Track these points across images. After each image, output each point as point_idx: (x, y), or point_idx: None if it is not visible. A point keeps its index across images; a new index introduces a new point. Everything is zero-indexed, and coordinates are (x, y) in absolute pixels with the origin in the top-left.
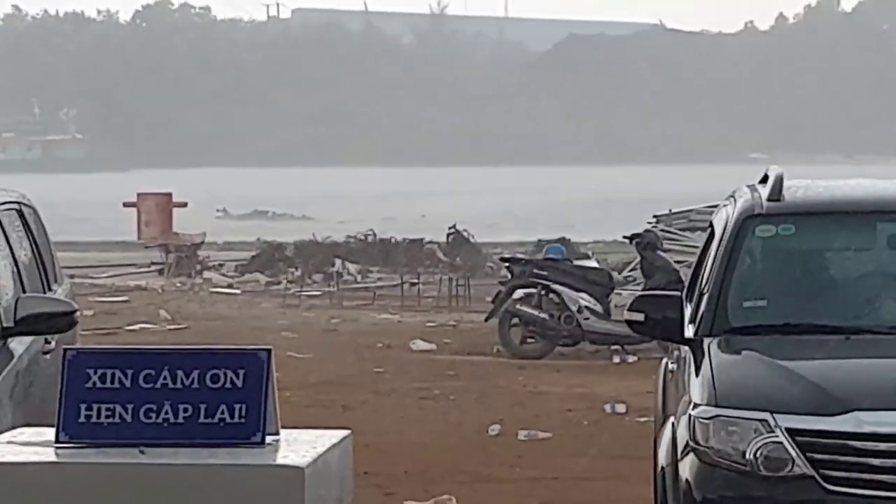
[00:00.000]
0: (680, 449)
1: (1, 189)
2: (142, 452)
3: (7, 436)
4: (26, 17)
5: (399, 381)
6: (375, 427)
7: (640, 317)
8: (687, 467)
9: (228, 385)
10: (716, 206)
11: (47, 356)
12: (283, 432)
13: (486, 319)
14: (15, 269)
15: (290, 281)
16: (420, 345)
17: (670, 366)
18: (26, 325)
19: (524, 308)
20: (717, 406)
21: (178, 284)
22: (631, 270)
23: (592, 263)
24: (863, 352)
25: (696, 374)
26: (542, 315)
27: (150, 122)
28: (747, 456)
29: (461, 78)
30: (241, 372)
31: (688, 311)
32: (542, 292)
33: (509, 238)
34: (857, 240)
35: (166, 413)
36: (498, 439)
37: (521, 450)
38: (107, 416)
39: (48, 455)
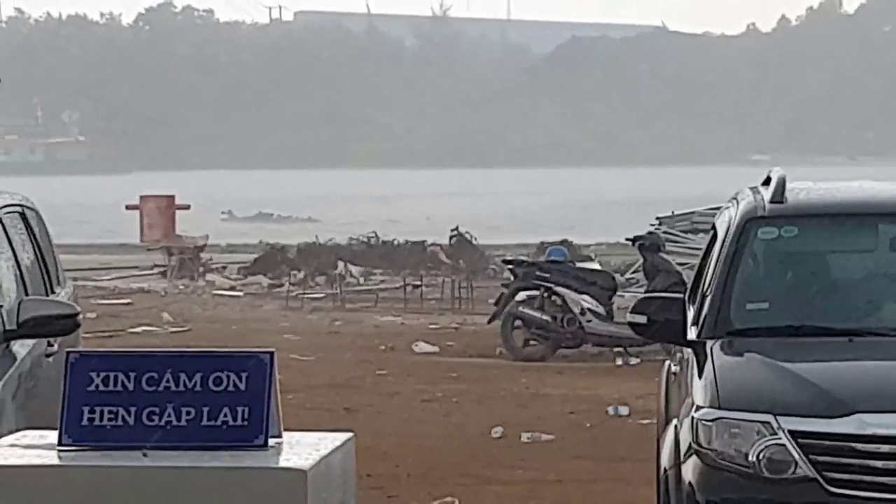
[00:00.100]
0: (683, 451)
1: (4, 191)
2: (144, 455)
3: (10, 439)
4: (29, 20)
5: (402, 383)
6: (378, 429)
7: (642, 319)
8: (690, 469)
9: (231, 388)
10: (718, 209)
11: (50, 359)
12: (285, 435)
13: (489, 321)
14: (17, 272)
15: (293, 283)
16: (423, 347)
17: (673, 368)
18: (29, 328)
19: (527, 310)
20: (719, 408)
21: (181, 287)
22: (633, 272)
23: (595, 265)
24: (865, 354)
25: (699, 377)
26: (545, 317)
27: (152, 124)
28: (750, 458)
29: (463, 80)
30: (244, 374)
31: (690, 314)
32: (545, 294)
33: (512, 240)
34: (860, 242)
35: (169, 416)
36: (501, 441)
37: (523, 452)
38: (109, 419)
39: (51, 458)
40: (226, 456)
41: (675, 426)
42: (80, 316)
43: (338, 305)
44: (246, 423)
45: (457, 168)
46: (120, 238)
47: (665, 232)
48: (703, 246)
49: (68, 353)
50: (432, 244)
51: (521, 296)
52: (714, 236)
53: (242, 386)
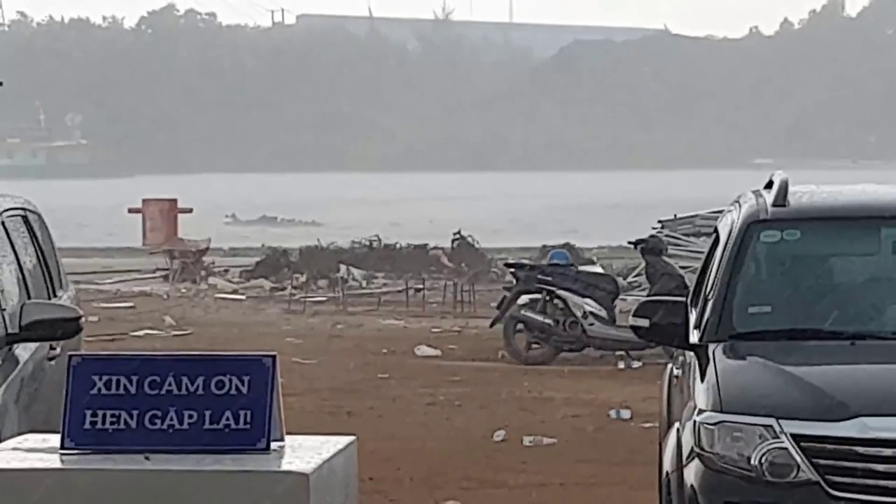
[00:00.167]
0: (685, 455)
1: (6, 195)
2: (147, 459)
3: (12, 442)
4: (32, 24)
5: (404, 387)
6: (380, 433)
7: (644, 322)
8: (692, 473)
9: (233, 391)
10: (721, 212)
11: (52, 362)
12: (287, 438)
13: (491, 325)
14: (20, 276)
15: (295, 287)
16: (425, 350)
17: (675, 371)
18: (31, 332)
19: (529, 314)
20: (722, 412)
21: (183, 290)
22: (636, 276)
23: (597, 269)
24: (868, 357)
25: (701, 380)
26: (547, 321)
27: (154, 127)
28: (752, 462)
29: (466, 83)
30: (246, 378)
31: (693, 317)
32: (547, 298)
33: (514, 244)
34: (862, 245)
35: (171, 419)
36: (503, 445)
37: (526, 455)
38: (112, 423)
39: (53, 462)
40: (228, 459)
41: (678, 430)
42: (83, 319)
43: (340, 309)
44: (248, 426)
45: (459, 171)
46: (122, 242)
47: (667, 235)
48: (706, 249)
49: (70, 356)
50: (434, 247)
51: (524, 299)
52: (716, 240)
53: (245, 389)
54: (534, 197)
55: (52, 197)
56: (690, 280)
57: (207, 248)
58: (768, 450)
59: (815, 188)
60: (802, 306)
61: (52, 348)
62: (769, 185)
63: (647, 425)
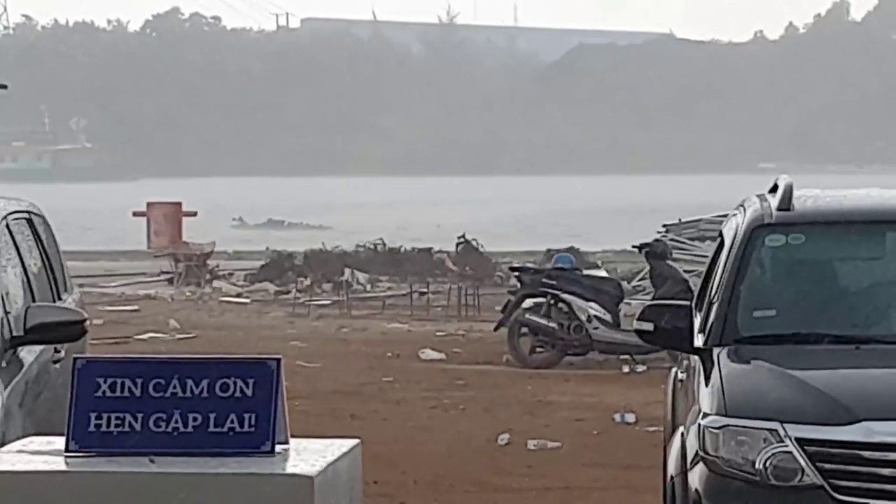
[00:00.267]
0: (689, 458)
1: (11, 198)
2: (151, 461)
3: (17, 445)
4: (36, 27)
5: (408, 390)
6: (385, 436)
7: (649, 326)
8: (696, 477)
9: (238, 394)
10: (725, 216)
11: (57, 365)
12: (292, 441)
13: (496, 329)
14: (25, 278)
15: (300, 290)
16: (429, 354)
17: (680, 375)
18: (36, 334)
19: (533, 317)
20: (726, 416)
21: (188, 294)
22: (640, 280)
23: (602, 273)
24: (873, 361)
25: (706, 384)
26: (552, 324)
27: (159, 130)
28: (757, 465)
29: (470, 87)
30: (251, 381)
31: (697, 321)
32: (552, 302)
33: (518, 247)
34: (867, 249)
35: (176, 422)
36: (507, 449)
37: (530, 459)
38: (116, 425)
39: (58, 464)
40: (232, 462)
41: (682, 433)
42: (87, 322)
43: (344, 312)
44: (253, 429)
45: (463, 175)
46: (127, 245)
47: (672, 239)
48: (710, 253)
49: (75, 359)
50: (439, 251)
51: (528, 303)
52: (721, 244)
53: (249, 392)
54: (538, 201)
55: (56, 200)
56: (695, 284)
57: (212, 252)
58: (773, 454)
59: (819, 192)
60: (807, 310)
61: (56, 351)
62: (774, 190)
63: (652, 429)
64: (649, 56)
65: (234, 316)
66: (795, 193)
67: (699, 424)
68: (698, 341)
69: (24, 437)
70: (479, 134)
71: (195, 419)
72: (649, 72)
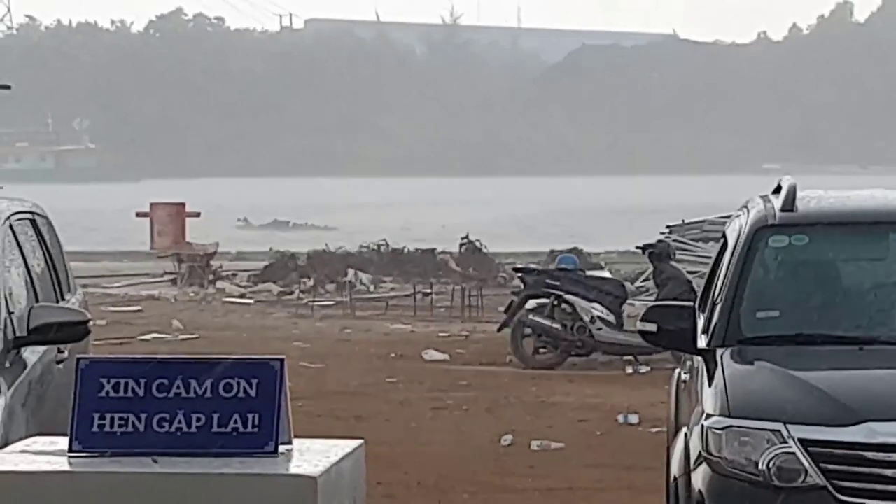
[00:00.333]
0: (692, 459)
1: (14, 199)
2: (155, 462)
3: (20, 445)
4: (40, 28)
5: (412, 391)
6: (388, 437)
7: (652, 327)
8: (700, 478)
9: (241, 395)
10: (729, 217)
11: (60, 366)
12: (295, 442)
13: (499, 329)
14: (28, 279)
15: (303, 291)
16: (433, 355)
17: (683, 376)
18: (39, 335)
19: (537, 318)
20: (729, 416)
21: (191, 294)
22: (644, 281)
23: (605, 274)
24: (876, 362)
25: (709, 385)
26: (555, 325)
27: (162, 131)
28: (760, 466)
29: (474, 88)
30: (254, 381)
31: (700, 322)
32: (555, 302)
33: (522, 248)
34: (871, 250)
35: (179, 422)
36: (511, 449)
37: (533, 460)
38: (120, 426)
39: (61, 464)
40: (236, 463)
41: (685, 434)
42: (91, 323)
43: (348, 313)
44: (256, 429)
45: (466, 176)
46: (130, 245)
47: (675, 240)
48: (714, 254)
49: (79, 359)
50: (442, 252)
51: (531, 304)
52: (724, 245)
53: (253, 393)
54: (541, 201)
55: (60, 200)
56: (698, 285)
57: (215, 252)
58: (776, 455)
59: (823, 193)
60: (810, 311)
61: (59, 352)
62: (777, 191)
63: (655, 430)
64: (652, 57)
65: (238, 317)
66: (799, 194)
67: (702, 425)
68: (702, 342)
69: (27, 437)
70: (481, 134)
71: (198, 419)
72: (652, 73)
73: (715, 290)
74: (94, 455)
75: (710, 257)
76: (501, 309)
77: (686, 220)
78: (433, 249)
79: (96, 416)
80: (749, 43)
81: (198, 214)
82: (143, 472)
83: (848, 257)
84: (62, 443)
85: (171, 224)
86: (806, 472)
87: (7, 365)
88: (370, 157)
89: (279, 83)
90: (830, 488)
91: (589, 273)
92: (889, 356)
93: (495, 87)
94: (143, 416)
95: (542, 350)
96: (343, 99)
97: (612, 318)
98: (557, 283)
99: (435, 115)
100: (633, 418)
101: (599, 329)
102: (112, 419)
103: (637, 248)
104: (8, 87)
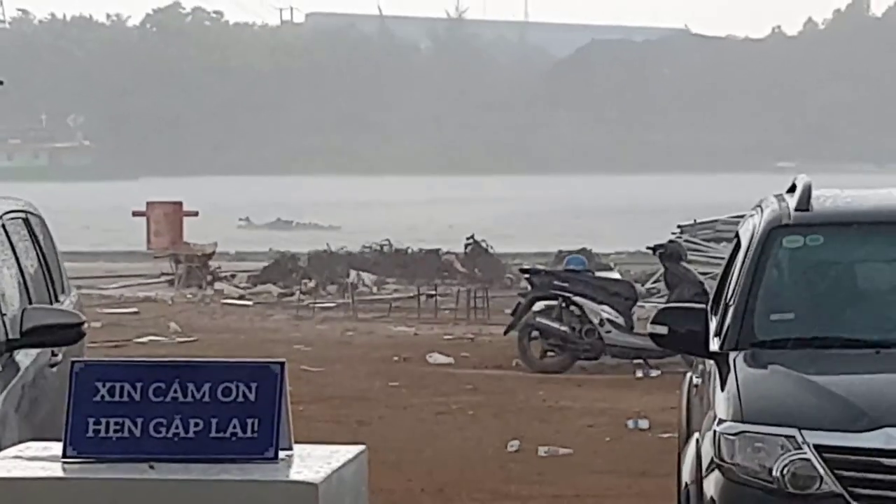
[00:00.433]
0: (705, 466)
1: (7, 197)
2: (151, 468)
3: (13, 450)
4: (34, 21)
5: (416, 395)
6: (391, 443)
7: (663, 330)
8: (712, 485)
9: (240, 399)
10: (742, 216)
11: (54, 369)
12: (296, 447)
13: (506, 332)
14: (21, 280)
15: (304, 292)
16: (437, 358)
17: (695, 380)
18: (33, 337)
19: (544, 321)
20: (743, 422)
21: (189, 296)
22: (654, 282)
23: (615, 275)
24: (893, 366)
25: (722, 389)
26: (563, 328)
27: (159, 128)
28: (774, 473)
29: (480, 84)
30: (254, 385)
31: (713, 324)
32: (563, 304)
33: (529, 248)
34: (888, 251)
35: (177, 427)
36: (517, 455)
37: (541, 466)
38: (115, 431)
39: (55, 470)
40: (235, 469)
41: (697, 440)
42: (85, 325)
43: (350, 315)
44: (256, 435)
45: (472, 174)
46: (126, 245)
47: (687, 240)
48: (726, 255)
49: (73, 362)
50: (447, 252)
51: (539, 306)
52: (737, 245)
53: (252, 397)
54: (549, 200)
55: (54, 199)
56: (710, 286)
57: (213, 253)
58: (790, 461)
59: (839, 192)
60: (826, 314)
61: (53, 354)
62: (792, 189)
63: (666, 435)
64: (663, 52)
65: (237, 319)
66: (814, 193)
67: (715, 431)
68: (714, 345)
69: (20, 442)
70: (487, 132)
71: (196, 424)
72: (664, 68)
73: (728, 291)
74: (89, 461)
75: (722, 258)
76: (508, 311)
77: (698, 220)
78: (437, 250)
79: (91, 420)
80: (763, 38)
81: (196, 213)
82: (140, 479)
83: (864, 258)
84: (56, 448)
85: (169, 223)
86: (821, 479)
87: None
88: (373, 155)
89: (279, 79)
90: (847, 496)
91: (598, 274)
92: None
93: (502, 83)
94: (140, 420)
95: (549, 353)
96: (345, 95)
97: (621, 320)
98: (566, 285)
99: (440, 112)
100: (644, 423)
101: (609, 332)
102: (107, 424)
103: (647, 248)
104: (0, 83)
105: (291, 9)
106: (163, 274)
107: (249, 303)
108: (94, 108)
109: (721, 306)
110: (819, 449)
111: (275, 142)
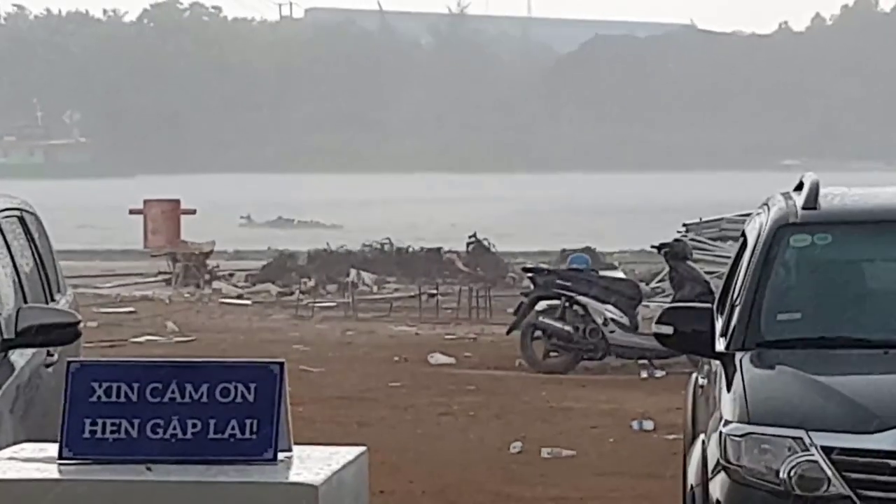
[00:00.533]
0: (710, 468)
1: (2, 195)
2: (149, 469)
3: (8, 452)
4: (29, 17)
5: (417, 396)
6: (392, 444)
7: (668, 330)
8: (718, 487)
9: (239, 399)
10: (748, 215)
11: (49, 369)
12: (295, 449)
13: (508, 332)
14: (16, 279)
15: (303, 291)
16: (439, 358)
17: (700, 381)
18: (28, 337)
19: (547, 320)
20: (749, 423)
21: (186, 295)
22: (659, 281)
23: (619, 274)
24: None
25: (728, 390)
26: (567, 328)
27: (157, 125)
28: (781, 475)
29: (482, 81)
30: (253, 386)
31: (719, 324)
32: (567, 304)
33: (532, 247)
34: None
35: (174, 428)
36: (520, 457)
37: (544, 468)
38: (112, 432)
39: (51, 472)
40: (233, 470)
41: (703, 441)
42: (81, 325)
43: (350, 315)
44: (254, 436)
45: (474, 172)
46: (123, 244)
47: (692, 239)
48: (733, 254)
49: (69, 362)
50: (449, 251)
51: (542, 305)
52: (744, 244)
53: (251, 398)
54: (552, 198)
55: (49, 197)
56: (716, 286)
57: (211, 251)
58: (798, 463)
59: (846, 190)
60: (833, 313)
61: (49, 354)
62: (799, 188)
63: (671, 437)
64: (668, 48)
65: (235, 318)
66: (821, 191)
67: (721, 432)
68: (720, 345)
69: (15, 443)
70: (490, 129)
71: (194, 425)
72: (669, 65)
73: (734, 291)
74: (86, 462)
75: (728, 257)
76: (510, 310)
77: (703, 219)
78: (439, 248)
79: (87, 421)
80: (770, 34)
81: (193, 212)
82: (137, 481)
83: (873, 257)
84: (52, 449)
85: (166, 222)
86: (829, 481)
87: None
88: (373, 152)
89: (279, 75)
90: (855, 498)
91: (602, 273)
92: None
93: (505, 80)
94: (137, 421)
95: (552, 353)
96: (345, 92)
97: (626, 320)
98: (569, 284)
99: (441, 110)
100: (648, 425)
101: (613, 332)
102: (104, 425)
103: (652, 247)
104: None
105: (291, 4)
106: (160, 273)
107: (248, 302)
108: (90, 105)
109: (727, 306)
110: (827, 451)
111: (274, 139)
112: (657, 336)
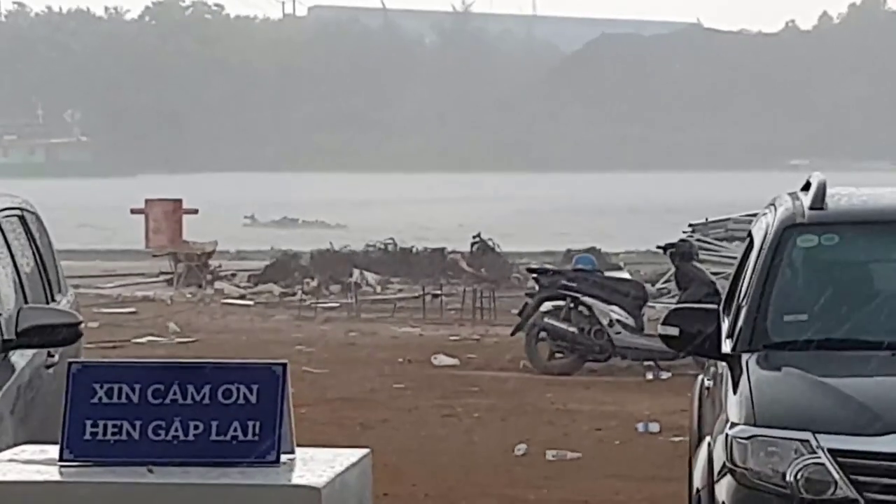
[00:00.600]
0: (716, 470)
1: (2, 194)
2: (150, 472)
3: (9, 453)
4: (30, 14)
5: (420, 397)
6: (395, 446)
7: (674, 331)
8: (724, 490)
9: (241, 401)
10: (755, 215)
11: (50, 370)
12: (298, 451)
13: (513, 333)
14: (17, 279)
15: (306, 292)
16: (442, 359)
17: (706, 383)
18: (28, 338)
19: (552, 321)
20: (755, 425)
21: (188, 295)
22: (665, 282)
23: (624, 275)
24: None
25: (734, 392)
26: (572, 329)
27: (158, 124)
28: (787, 478)
29: (486, 79)
30: (255, 387)
31: (725, 326)
32: (572, 305)
33: (537, 248)
34: None
35: (176, 430)
36: (524, 459)
37: (548, 470)
38: (113, 433)
39: (52, 474)
40: (235, 472)
41: (709, 444)
42: (82, 325)
43: (353, 315)
44: (257, 438)
45: (478, 171)
46: (124, 243)
47: (698, 239)
48: (739, 254)
49: (70, 363)
50: (453, 251)
51: (547, 306)
52: (750, 244)
53: (253, 399)
54: (558, 198)
55: (50, 196)
56: (722, 287)
57: (213, 251)
58: (804, 465)
59: (854, 190)
60: (841, 315)
61: (50, 355)
62: (806, 188)
63: (677, 439)
64: (674, 46)
65: (237, 319)
66: (829, 192)
67: (727, 434)
68: (726, 347)
69: (15, 445)
70: (494, 128)
71: (196, 427)
72: (675, 63)
73: (740, 292)
74: (87, 464)
75: (734, 257)
76: (515, 311)
77: (710, 219)
78: (443, 249)
79: (89, 423)
80: (776, 32)
81: (195, 211)
82: (138, 483)
83: (880, 258)
84: (53, 451)
85: (167, 221)
86: (836, 484)
87: None
88: (376, 152)
89: (281, 73)
90: (862, 501)
91: (607, 274)
92: None
93: (509, 78)
94: (138, 423)
95: (557, 355)
96: (348, 90)
97: (631, 321)
98: (574, 285)
99: (445, 108)
100: (654, 427)
101: (618, 333)
102: (105, 426)
103: (658, 247)
104: None
105: (294, 1)
106: (161, 273)
107: (250, 302)
108: (91, 104)
109: (733, 307)
110: (834, 453)
111: (276, 138)
112: (663, 337)
